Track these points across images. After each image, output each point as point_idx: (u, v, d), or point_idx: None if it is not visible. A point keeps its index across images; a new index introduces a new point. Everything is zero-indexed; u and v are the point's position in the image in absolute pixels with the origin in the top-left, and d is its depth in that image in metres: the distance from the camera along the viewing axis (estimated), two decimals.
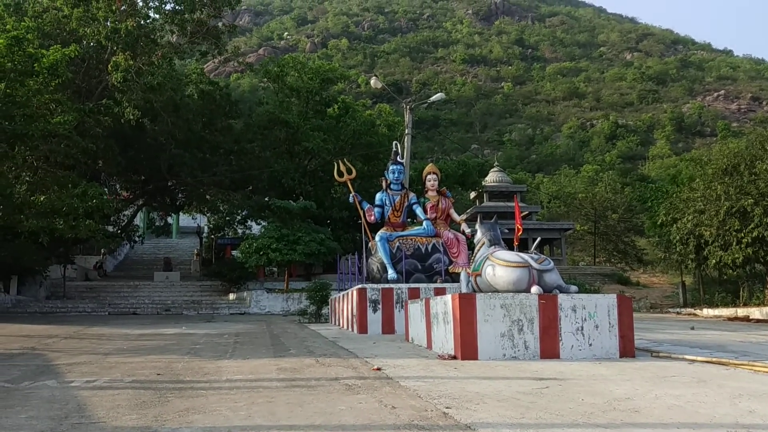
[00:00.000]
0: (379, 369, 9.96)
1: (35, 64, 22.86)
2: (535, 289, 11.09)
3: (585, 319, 11.02)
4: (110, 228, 36.51)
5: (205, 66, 49.74)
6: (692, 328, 19.36)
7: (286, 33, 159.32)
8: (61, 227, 22.96)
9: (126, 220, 40.73)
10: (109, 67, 29.00)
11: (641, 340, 13.14)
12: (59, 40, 29.35)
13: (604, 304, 11.21)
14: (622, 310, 11.19)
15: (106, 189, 32.26)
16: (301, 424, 6.32)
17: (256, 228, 39.42)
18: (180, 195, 40.74)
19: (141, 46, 30.16)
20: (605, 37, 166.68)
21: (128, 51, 29.19)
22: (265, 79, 42.72)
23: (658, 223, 35.86)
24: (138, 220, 45.89)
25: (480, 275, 12.07)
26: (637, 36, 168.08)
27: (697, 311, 31.21)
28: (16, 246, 28.08)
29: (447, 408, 6.90)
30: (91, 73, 31.63)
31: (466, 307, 10.82)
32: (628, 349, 11.13)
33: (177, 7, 33.54)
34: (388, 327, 17.23)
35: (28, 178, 26.73)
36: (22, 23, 24.75)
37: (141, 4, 33.34)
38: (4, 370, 10.09)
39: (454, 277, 18.25)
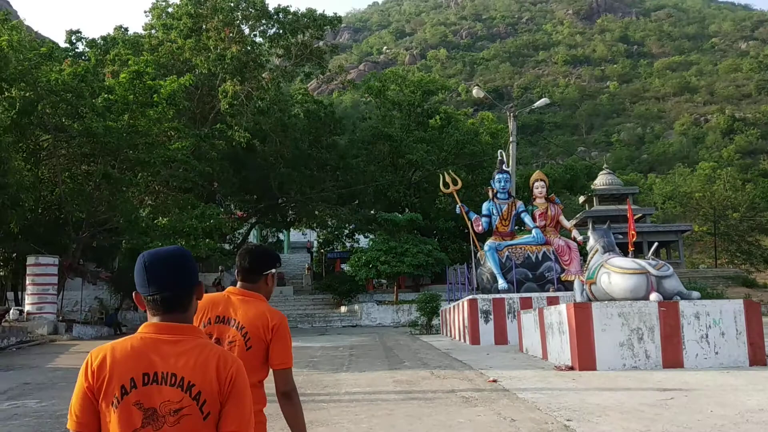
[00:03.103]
0: (495, 381, 9.93)
1: (154, 95, 24.33)
2: (654, 296, 10.74)
3: (709, 326, 10.58)
4: (227, 246, 38.10)
5: (308, 85, 51.28)
6: None
7: (385, 47, 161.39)
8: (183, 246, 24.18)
9: (241, 238, 42.37)
10: (219, 94, 30.39)
11: None
12: (174, 70, 31.10)
13: (730, 309, 10.73)
14: (750, 316, 10.68)
15: (221, 209, 33.72)
16: None
17: (363, 241, 40.04)
18: (290, 212, 41.96)
19: (248, 71, 31.47)
20: (717, 27, 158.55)
21: (236, 77, 30.52)
22: (367, 95, 43.46)
23: None
24: (252, 237, 47.61)
25: (595, 283, 11.81)
26: (751, 23, 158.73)
27: None
28: None
29: (568, 420, 6.82)
30: (204, 100, 33.26)
31: (582, 317, 10.63)
32: (758, 357, 10.59)
33: (280, 31, 34.82)
34: (500, 337, 17.11)
35: (150, 203, 28.41)
36: (142, 58, 26.40)
37: (247, 31, 34.84)
38: None
39: (567, 286, 17.91)
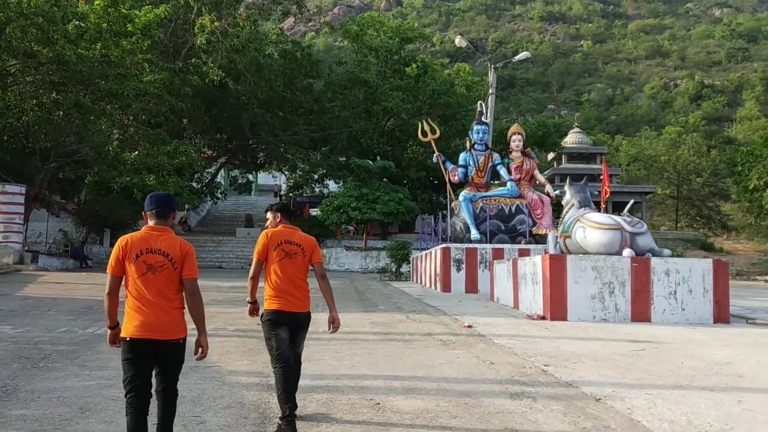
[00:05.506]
0: (470, 326, 10.15)
1: (128, 25, 23.58)
2: (627, 252, 11.01)
3: (678, 284, 10.91)
4: (195, 185, 37.67)
5: (281, 25, 50.10)
6: None
7: None
8: (152, 183, 23.74)
9: (209, 178, 41.91)
10: (196, 29, 29.58)
11: (733, 306, 12.90)
12: (147, 1, 30.09)
13: (699, 268, 11.06)
14: (718, 276, 11.02)
15: (192, 147, 33.12)
16: (405, 375, 6.59)
17: (333, 186, 39.92)
18: (260, 153, 41.52)
19: (225, 7, 30.63)
20: None
21: (213, 12, 29.71)
22: (340, 38, 42.65)
23: (750, 187, 34.40)
24: (220, 178, 47.13)
25: (570, 237, 12.04)
26: None
27: None
28: (109, 201, 29.45)
29: (545, 366, 7.03)
30: (178, 34, 32.31)
31: (557, 269, 10.86)
32: (722, 315, 10.98)
33: None
34: (471, 286, 17.40)
35: (118, 136, 27.81)
36: None
37: None
38: None
39: (538, 239, 18.20)
